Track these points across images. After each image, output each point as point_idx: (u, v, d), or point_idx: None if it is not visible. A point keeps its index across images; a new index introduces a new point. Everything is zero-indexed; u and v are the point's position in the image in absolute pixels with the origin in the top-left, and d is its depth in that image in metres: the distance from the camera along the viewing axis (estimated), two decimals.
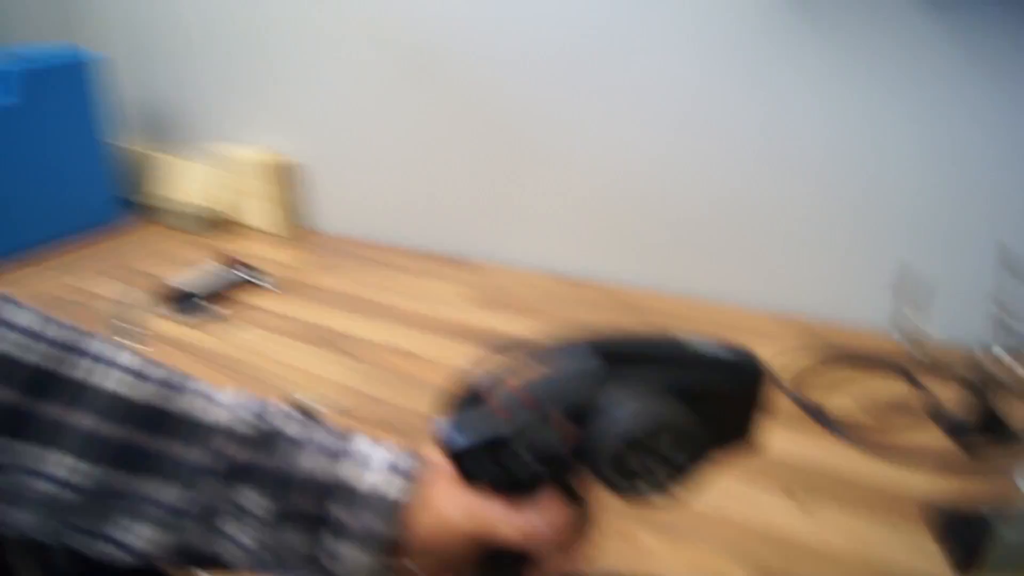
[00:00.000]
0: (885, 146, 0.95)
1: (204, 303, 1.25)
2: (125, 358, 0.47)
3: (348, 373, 1.03)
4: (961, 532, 0.59)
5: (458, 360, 1.02)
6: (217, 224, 1.66)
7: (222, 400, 0.48)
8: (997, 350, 0.70)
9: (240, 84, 1.64)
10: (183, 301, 1.25)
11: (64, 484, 0.42)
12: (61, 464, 0.42)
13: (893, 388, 0.85)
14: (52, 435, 0.42)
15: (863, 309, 0.99)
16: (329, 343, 1.11)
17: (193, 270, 1.34)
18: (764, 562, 0.61)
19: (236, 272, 1.33)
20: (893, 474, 0.70)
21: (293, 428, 0.49)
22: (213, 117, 1.74)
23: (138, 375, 0.46)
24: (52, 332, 0.45)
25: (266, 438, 0.47)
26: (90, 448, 0.43)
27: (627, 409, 0.43)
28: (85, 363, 0.45)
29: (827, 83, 0.96)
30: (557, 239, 1.28)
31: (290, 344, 1.12)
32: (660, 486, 0.44)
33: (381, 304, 1.23)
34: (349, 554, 0.46)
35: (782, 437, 0.77)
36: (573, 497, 0.49)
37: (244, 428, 0.46)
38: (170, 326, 1.20)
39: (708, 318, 1.07)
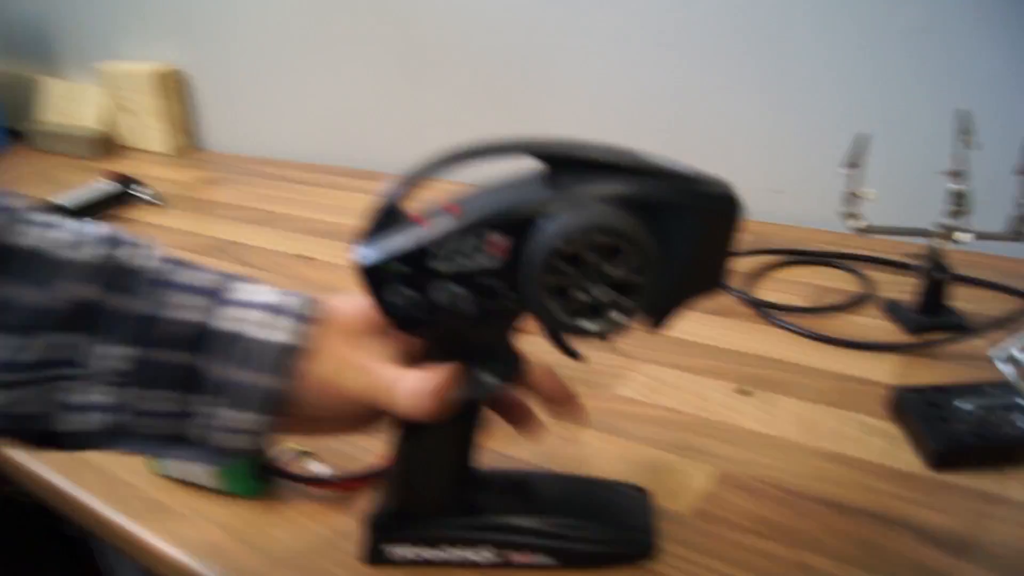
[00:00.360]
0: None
1: (79, 217, 1.10)
2: None
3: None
4: (923, 411, 0.53)
5: None
6: (106, 147, 1.50)
7: (64, 229, 0.36)
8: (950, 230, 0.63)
9: None
10: (68, 216, 1.11)
11: None
12: None
13: (839, 280, 0.78)
14: None
15: (802, 204, 0.92)
16: (219, 251, 0.99)
17: (76, 191, 1.19)
18: (717, 459, 0.53)
19: (116, 186, 1.18)
20: (845, 363, 0.63)
21: (153, 264, 0.38)
22: (99, 33, 1.56)
23: None
24: None
25: (120, 274, 0.36)
26: None
27: (563, 216, 0.34)
28: None
29: None
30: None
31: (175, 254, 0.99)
32: (603, 313, 0.35)
33: (276, 213, 1.10)
34: (226, 414, 0.36)
35: (729, 333, 0.69)
36: (505, 354, 0.40)
37: (91, 261, 0.35)
38: None
39: None
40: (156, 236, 1.02)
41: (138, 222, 1.11)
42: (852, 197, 0.65)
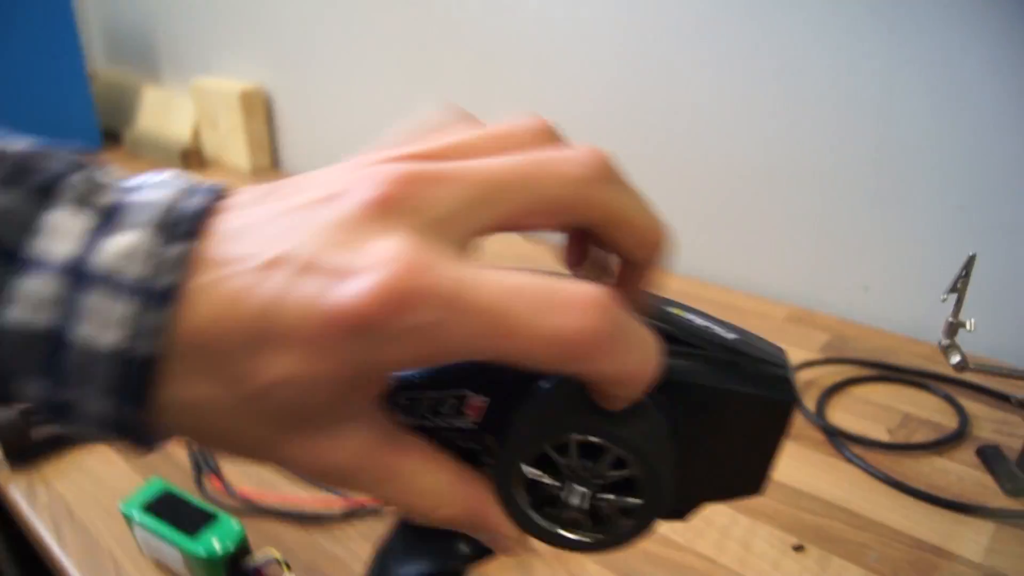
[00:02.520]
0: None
1: None
2: None
3: None
4: None
5: None
6: (192, 159, 1.52)
7: None
8: None
9: (221, 11, 1.48)
10: None
11: None
12: None
13: (930, 408, 0.68)
14: None
15: (892, 304, 0.82)
16: None
17: None
18: None
19: None
20: (925, 523, 0.54)
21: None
22: (198, 46, 1.59)
23: None
24: None
25: None
26: None
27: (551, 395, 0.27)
28: None
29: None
30: None
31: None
32: (585, 524, 0.28)
33: None
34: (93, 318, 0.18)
35: (795, 464, 0.60)
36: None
37: None
38: None
39: (710, 302, 0.90)
40: None
41: None
42: (953, 327, 0.56)
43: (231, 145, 1.47)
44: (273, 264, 0.18)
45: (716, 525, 0.54)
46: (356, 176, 0.20)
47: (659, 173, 0.96)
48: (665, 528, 0.53)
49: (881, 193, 0.79)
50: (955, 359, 0.56)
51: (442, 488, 0.22)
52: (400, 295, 0.17)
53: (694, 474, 0.29)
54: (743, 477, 0.30)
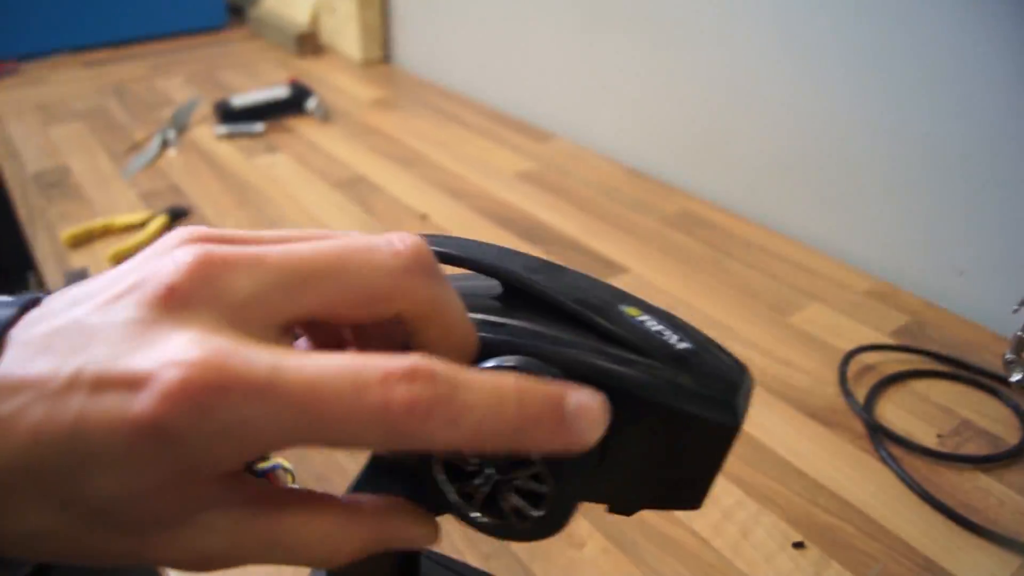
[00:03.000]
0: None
1: (247, 120, 1.15)
2: None
3: (354, 226, 0.89)
4: None
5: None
6: (308, 44, 1.53)
7: None
8: None
9: None
10: (230, 115, 1.15)
11: None
12: None
13: (996, 417, 0.62)
14: None
15: (987, 293, 0.74)
16: (351, 188, 0.98)
17: (256, 91, 1.24)
18: None
19: (289, 95, 1.21)
20: (955, 551, 0.50)
21: None
22: None
23: None
24: None
25: None
26: None
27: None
28: None
29: None
30: (637, 128, 1.06)
31: (310, 179, 1.00)
32: (498, 509, 0.28)
33: (427, 159, 1.07)
34: None
35: (822, 453, 0.58)
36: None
37: None
38: (208, 137, 1.12)
39: (784, 259, 0.85)
40: (304, 154, 1.05)
41: (296, 134, 1.13)
42: (1022, 341, 0.51)
43: (346, 33, 1.48)
44: (71, 384, 0.17)
45: (721, 506, 0.53)
46: (153, 265, 0.19)
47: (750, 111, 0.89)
48: None
49: (999, 173, 0.71)
50: (1017, 376, 0.51)
51: (332, 531, 0.22)
52: (196, 396, 0.16)
53: (630, 478, 0.28)
54: (681, 491, 0.29)
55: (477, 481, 0.27)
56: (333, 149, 1.09)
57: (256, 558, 0.21)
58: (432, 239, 0.27)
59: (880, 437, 0.59)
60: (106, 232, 0.86)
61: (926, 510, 0.53)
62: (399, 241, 0.20)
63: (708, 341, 0.28)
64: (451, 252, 0.28)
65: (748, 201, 0.94)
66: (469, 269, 0.29)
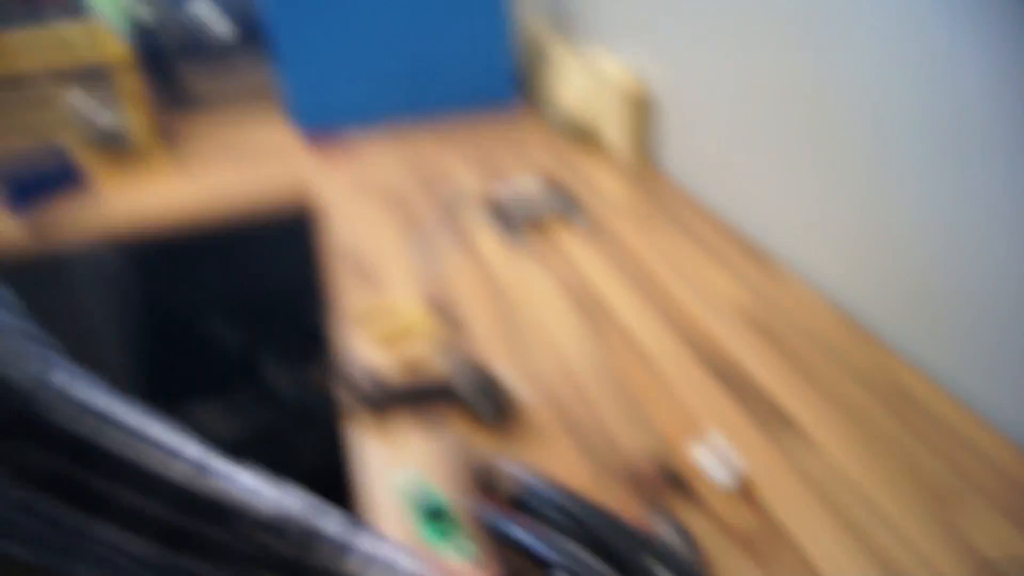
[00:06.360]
0: None
1: (518, 225, 1.30)
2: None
3: (586, 350, 1.01)
4: None
5: (682, 391, 0.92)
6: (581, 135, 1.67)
7: (265, 492, 0.47)
8: None
9: None
10: (502, 215, 1.33)
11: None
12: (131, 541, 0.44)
13: None
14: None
15: None
16: (577, 297, 1.11)
17: (516, 188, 1.40)
18: None
19: (549, 198, 1.36)
20: None
21: (334, 528, 0.48)
22: (601, 17, 1.73)
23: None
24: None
25: (309, 536, 0.47)
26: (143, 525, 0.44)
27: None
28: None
29: None
30: (856, 272, 1.06)
31: (554, 289, 1.14)
32: None
33: (656, 278, 1.16)
34: None
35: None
36: None
37: (289, 523, 0.46)
38: (484, 237, 1.30)
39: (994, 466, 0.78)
40: (552, 260, 1.17)
41: (554, 239, 1.28)
42: None
43: (611, 132, 1.59)
44: None
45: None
46: None
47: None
48: None
49: None
50: None
51: None
52: None
53: None
54: None
55: None
56: (579, 258, 1.22)
57: None
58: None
59: None
60: (385, 314, 1.05)
61: None
62: None
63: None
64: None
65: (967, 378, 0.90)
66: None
